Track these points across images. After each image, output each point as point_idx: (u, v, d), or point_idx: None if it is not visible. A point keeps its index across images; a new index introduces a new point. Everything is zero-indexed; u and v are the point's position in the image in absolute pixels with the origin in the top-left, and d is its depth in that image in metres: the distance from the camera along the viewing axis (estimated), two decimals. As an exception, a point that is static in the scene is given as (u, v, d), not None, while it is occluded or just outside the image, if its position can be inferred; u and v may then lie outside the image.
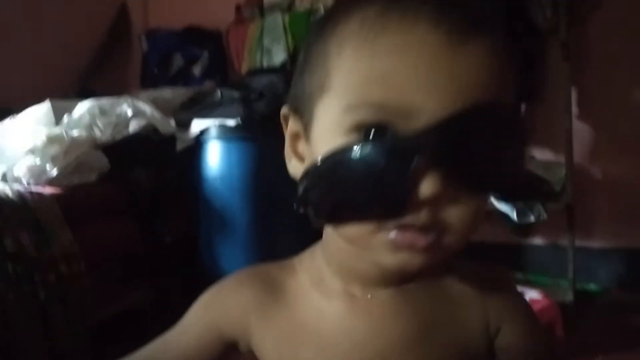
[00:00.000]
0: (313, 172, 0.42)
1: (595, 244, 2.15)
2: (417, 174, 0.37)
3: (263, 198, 1.97)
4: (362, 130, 0.39)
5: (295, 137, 0.48)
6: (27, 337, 1.30)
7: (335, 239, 0.48)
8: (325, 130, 0.42)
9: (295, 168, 0.48)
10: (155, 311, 1.86)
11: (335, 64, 0.41)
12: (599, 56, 2.13)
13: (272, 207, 1.99)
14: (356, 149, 0.38)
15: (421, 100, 0.37)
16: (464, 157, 0.38)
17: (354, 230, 0.41)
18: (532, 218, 1.93)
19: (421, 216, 0.39)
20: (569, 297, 1.86)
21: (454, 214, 0.39)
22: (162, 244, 1.91)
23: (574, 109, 2.10)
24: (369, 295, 0.47)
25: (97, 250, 1.61)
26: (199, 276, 2.05)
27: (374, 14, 0.39)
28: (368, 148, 0.38)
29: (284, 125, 0.50)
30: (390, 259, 0.41)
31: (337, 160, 0.39)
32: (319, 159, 0.41)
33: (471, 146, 0.38)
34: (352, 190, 0.40)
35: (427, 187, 0.37)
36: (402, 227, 0.39)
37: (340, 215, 0.42)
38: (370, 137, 0.39)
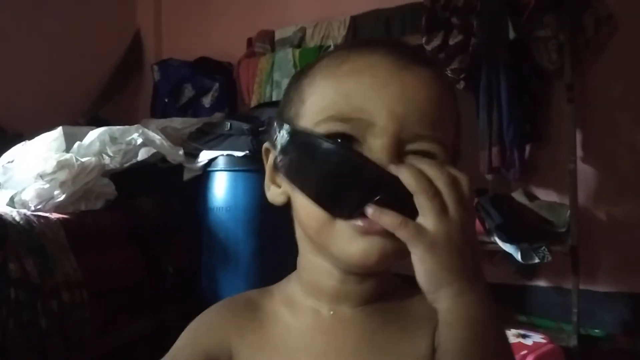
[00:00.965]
0: (289, 140, 0.49)
1: (600, 287, 2.13)
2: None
3: (267, 230, 1.96)
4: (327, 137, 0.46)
5: (274, 168, 0.53)
6: (25, 365, 1.28)
7: (306, 251, 0.53)
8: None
9: (273, 195, 0.55)
10: (155, 343, 1.84)
11: (308, 92, 0.49)
12: (604, 100, 2.14)
13: (276, 239, 1.97)
14: (326, 144, 0.45)
15: (377, 113, 0.45)
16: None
17: (317, 215, 0.46)
18: (536, 259, 1.91)
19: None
20: (573, 341, 1.82)
21: None
22: (164, 274, 1.89)
23: (579, 151, 2.11)
24: (331, 312, 0.51)
25: (99, 279, 1.60)
26: (200, 308, 2.03)
27: (339, 52, 0.49)
28: (335, 147, 0.45)
29: (264, 159, 0.56)
30: (355, 247, 0.46)
31: (310, 141, 0.46)
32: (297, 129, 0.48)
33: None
34: (312, 175, 0.47)
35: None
36: (364, 215, 0.44)
37: (302, 187, 0.48)
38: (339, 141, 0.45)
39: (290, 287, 0.56)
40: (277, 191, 0.54)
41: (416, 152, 0.45)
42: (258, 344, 0.53)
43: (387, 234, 0.44)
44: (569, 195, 2.02)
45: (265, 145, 0.56)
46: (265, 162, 0.56)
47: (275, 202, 0.55)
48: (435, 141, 0.46)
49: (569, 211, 2.02)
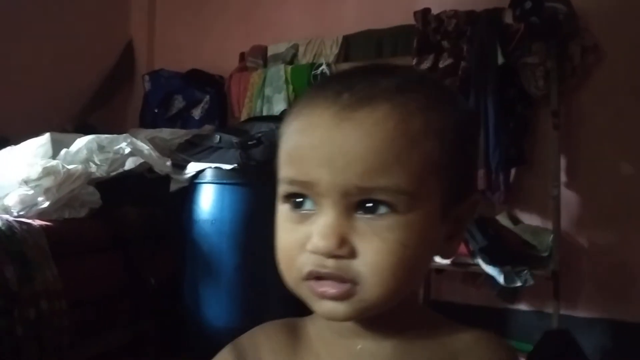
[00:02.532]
0: None
1: (580, 313, 2.14)
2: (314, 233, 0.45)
3: (252, 244, 1.95)
4: (288, 200, 0.48)
5: None
6: (-1, 374, 1.25)
7: None
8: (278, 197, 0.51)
9: None
10: (132, 354, 1.82)
11: (279, 146, 0.50)
12: (588, 127, 2.18)
13: (261, 254, 1.96)
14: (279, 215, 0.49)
15: (316, 172, 0.44)
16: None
17: (285, 273, 0.48)
18: (518, 282, 1.93)
19: (327, 265, 0.44)
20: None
21: (364, 263, 0.44)
22: (145, 285, 1.87)
23: (563, 177, 2.14)
24: (359, 346, 0.50)
25: (80, 288, 1.58)
26: (180, 321, 2.01)
27: (299, 105, 0.48)
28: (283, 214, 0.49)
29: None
30: (318, 307, 0.46)
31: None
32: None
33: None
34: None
35: (318, 239, 0.44)
36: (318, 277, 0.45)
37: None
38: (291, 204, 0.48)
39: (321, 320, 0.53)
40: None
41: (371, 201, 0.44)
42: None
43: (343, 297, 0.44)
44: (552, 220, 2.04)
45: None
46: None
47: None
48: (388, 190, 0.43)
49: (551, 236, 2.04)
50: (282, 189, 0.47)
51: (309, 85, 0.53)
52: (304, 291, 0.46)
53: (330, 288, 0.44)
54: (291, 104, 0.51)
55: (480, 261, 2.01)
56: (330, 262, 0.44)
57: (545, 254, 2.06)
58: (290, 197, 0.47)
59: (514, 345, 1.91)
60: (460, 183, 0.48)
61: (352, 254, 0.44)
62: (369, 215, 0.44)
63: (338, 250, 0.43)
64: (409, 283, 0.46)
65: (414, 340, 0.50)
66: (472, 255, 2.04)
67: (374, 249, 0.44)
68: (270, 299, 1.98)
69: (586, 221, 2.18)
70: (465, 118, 0.49)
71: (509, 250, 2.06)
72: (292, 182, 0.46)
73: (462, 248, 2.05)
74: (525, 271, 1.94)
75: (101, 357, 1.68)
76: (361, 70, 0.50)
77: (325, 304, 0.45)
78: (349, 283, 0.44)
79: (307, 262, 0.45)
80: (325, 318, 0.47)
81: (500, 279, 1.94)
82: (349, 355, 0.50)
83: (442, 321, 0.53)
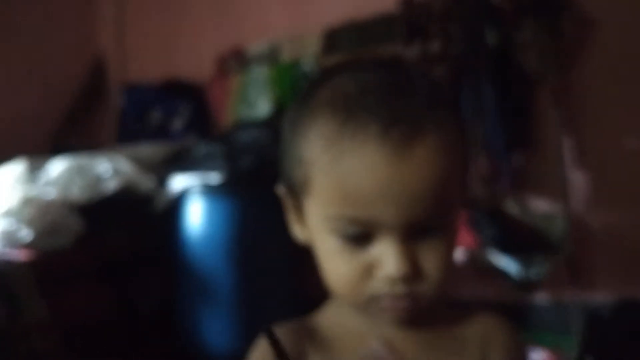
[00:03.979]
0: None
1: (600, 296, 2.18)
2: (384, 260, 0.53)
3: (248, 259, 1.97)
4: (341, 234, 0.54)
5: (294, 208, 0.61)
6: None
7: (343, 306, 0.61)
8: (314, 225, 0.57)
9: (299, 234, 0.62)
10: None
11: (311, 173, 0.54)
12: (590, 103, 2.22)
13: (258, 268, 1.99)
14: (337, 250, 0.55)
15: (382, 213, 0.51)
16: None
17: (350, 296, 0.56)
18: (533, 271, 1.96)
19: (399, 289, 0.53)
20: (575, 354, 1.86)
21: (426, 280, 0.54)
22: (139, 312, 1.90)
23: (568, 157, 2.17)
24: (379, 338, 0.58)
25: (71, 320, 1.61)
26: (178, 348, 2.02)
27: (332, 132, 0.52)
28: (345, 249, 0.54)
29: (282, 199, 0.63)
30: (381, 318, 0.56)
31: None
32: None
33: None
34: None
35: (394, 271, 0.52)
36: (389, 297, 0.54)
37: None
38: (348, 239, 0.54)
39: (335, 315, 0.62)
40: (301, 233, 0.61)
41: (426, 228, 0.53)
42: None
43: (410, 310, 0.55)
44: (562, 203, 2.07)
45: (279, 190, 0.62)
46: (283, 201, 0.63)
47: (299, 241, 0.62)
48: (441, 217, 0.54)
49: (563, 221, 2.07)
50: (340, 226, 0.53)
51: (313, 99, 0.57)
52: (371, 308, 0.55)
53: (402, 304, 0.54)
54: (308, 131, 0.55)
55: (491, 254, 2.05)
56: (401, 286, 0.53)
57: (558, 241, 2.09)
58: (346, 235, 0.53)
59: (533, 337, 1.95)
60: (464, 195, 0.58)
61: (419, 275, 0.53)
62: (424, 239, 0.53)
63: (410, 275, 0.52)
64: (444, 287, 0.56)
65: (428, 329, 0.60)
66: (483, 248, 2.07)
67: (432, 266, 0.54)
68: (272, 314, 2.00)
69: (598, 201, 2.21)
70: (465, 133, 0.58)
71: (520, 239, 2.09)
72: (354, 221, 0.52)
73: (472, 240, 2.08)
74: (539, 259, 1.98)
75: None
76: (386, 88, 0.53)
77: (389, 314, 0.55)
78: (414, 299, 0.54)
79: (377, 287, 0.54)
80: (386, 322, 0.57)
81: (514, 270, 1.97)
82: (368, 344, 0.58)
83: (450, 311, 0.63)
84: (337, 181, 0.52)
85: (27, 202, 1.69)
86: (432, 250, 0.54)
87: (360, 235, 0.53)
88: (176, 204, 2.06)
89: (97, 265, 1.85)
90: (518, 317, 2.29)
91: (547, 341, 2.01)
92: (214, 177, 2.01)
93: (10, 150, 2.04)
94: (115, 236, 1.94)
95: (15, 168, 1.90)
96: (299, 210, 0.59)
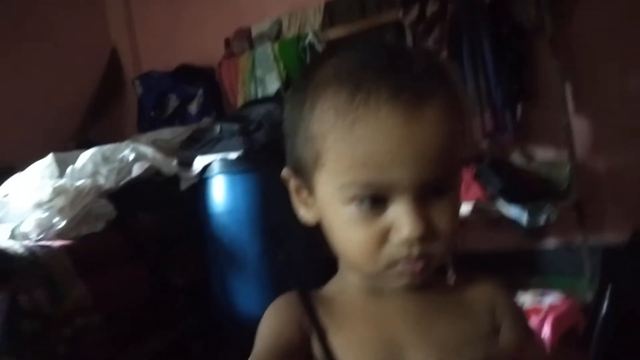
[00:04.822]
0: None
1: (609, 239, 2.13)
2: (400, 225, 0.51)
3: (272, 228, 1.96)
4: (356, 201, 0.52)
5: (298, 190, 0.59)
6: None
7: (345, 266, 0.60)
8: (327, 198, 0.54)
9: (303, 215, 0.60)
10: (176, 357, 1.85)
11: (322, 147, 0.52)
12: (588, 49, 2.13)
13: (284, 237, 1.97)
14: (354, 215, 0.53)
15: (396, 174, 0.50)
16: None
17: (361, 252, 0.53)
18: (542, 220, 1.92)
19: (415, 251, 0.51)
20: (588, 297, 1.83)
21: (440, 238, 0.52)
22: (174, 288, 1.89)
23: (570, 105, 2.10)
24: (391, 297, 0.57)
25: (110, 301, 1.60)
26: (214, 317, 2.03)
27: (343, 103, 0.50)
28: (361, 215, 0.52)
29: (286, 183, 0.61)
30: (396, 281, 0.54)
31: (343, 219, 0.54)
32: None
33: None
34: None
35: (410, 231, 0.50)
36: (406, 260, 0.52)
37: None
38: (363, 206, 0.52)
39: (344, 283, 0.60)
40: (307, 214, 0.59)
41: (437, 187, 0.52)
42: (333, 325, 0.56)
43: (424, 271, 0.53)
44: (567, 150, 2.02)
45: (284, 173, 0.60)
46: (287, 185, 0.61)
47: (307, 222, 0.60)
48: (451, 175, 0.53)
49: (568, 167, 2.02)
50: (351, 192, 0.51)
51: (315, 65, 0.54)
52: (387, 273, 0.53)
53: (418, 266, 0.52)
54: (317, 99, 0.52)
55: (500, 204, 2.00)
56: (417, 248, 0.51)
57: (565, 186, 2.04)
58: (361, 201, 0.51)
59: (546, 281, 1.92)
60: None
61: (434, 235, 0.52)
62: (435, 199, 0.52)
63: (426, 234, 0.51)
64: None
65: (436, 293, 0.58)
66: (491, 199, 2.03)
67: (444, 225, 0.52)
68: (300, 276, 1.99)
69: (601, 145, 2.15)
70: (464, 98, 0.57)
71: (527, 188, 2.05)
72: (369, 185, 0.50)
73: (480, 193, 2.04)
74: (548, 206, 1.93)
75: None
76: (387, 59, 0.52)
77: (405, 277, 0.53)
78: (429, 258, 0.52)
79: (394, 252, 0.52)
80: (397, 287, 0.55)
81: (523, 218, 1.93)
82: (379, 302, 0.57)
83: (458, 273, 0.61)
84: (352, 148, 0.50)
85: (57, 192, 1.66)
86: (443, 210, 0.52)
87: (375, 201, 0.51)
88: (199, 183, 2.04)
89: (131, 247, 1.83)
90: (530, 263, 2.25)
91: (560, 284, 1.97)
92: (232, 154, 1.99)
93: (39, 151, 2.02)
94: (145, 218, 1.92)
95: (43, 163, 1.88)
96: (309, 188, 0.57)
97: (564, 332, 1.53)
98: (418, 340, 0.55)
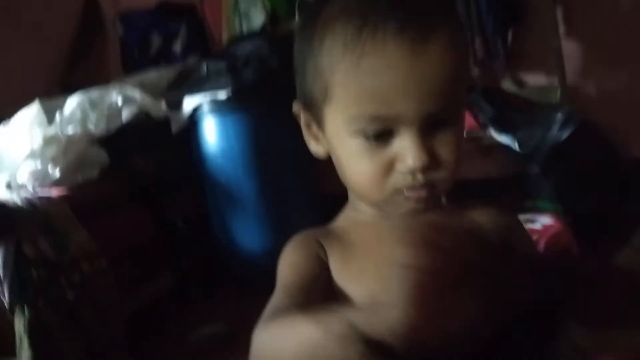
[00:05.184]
0: None
1: (599, 160, 2.16)
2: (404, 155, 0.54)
3: (269, 167, 1.97)
4: (363, 133, 0.54)
5: (309, 124, 0.62)
6: (63, 340, 1.33)
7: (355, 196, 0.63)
8: (335, 131, 0.57)
9: (315, 148, 0.64)
10: (180, 296, 1.90)
11: (330, 81, 0.54)
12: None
13: (281, 174, 2.00)
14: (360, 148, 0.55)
15: (402, 107, 0.52)
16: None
17: (368, 181, 0.56)
18: (534, 146, 1.94)
19: (418, 179, 0.55)
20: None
21: (442, 168, 0.55)
22: (175, 229, 1.92)
23: (561, 28, 2.08)
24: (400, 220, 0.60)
25: (114, 245, 1.63)
26: (216, 255, 2.07)
27: (351, 37, 0.52)
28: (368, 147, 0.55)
29: (297, 117, 0.63)
30: (402, 207, 0.57)
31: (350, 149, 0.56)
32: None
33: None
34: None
35: (414, 161, 0.53)
36: (410, 188, 0.55)
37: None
38: (369, 138, 0.54)
39: (354, 220, 0.64)
40: (317, 147, 0.63)
41: (440, 120, 0.54)
42: (348, 254, 0.60)
43: (429, 197, 0.56)
44: (558, 75, 2.01)
45: (295, 108, 0.62)
46: (299, 120, 0.63)
47: (317, 155, 0.64)
48: (454, 108, 0.55)
49: (559, 91, 2.02)
50: (359, 126, 0.54)
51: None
52: (392, 199, 0.56)
53: (422, 193, 0.55)
54: (324, 36, 0.54)
55: (492, 132, 2.02)
56: (421, 177, 0.54)
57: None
58: (367, 134, 0.54)
59: (538, 205, 1.96)
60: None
61: (437, 165, 0.55)
62: (439, 131, 0.54)
63: (429, 164, 0.54)
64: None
65: (446, 218, 0.61)
66: (483, 127, 2.04)
67: (447, 156, 0.55)
68: (297, 212, 2.03)
69: (592, 68, 2.15)
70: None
71: (518, 115, 2.05)
72: (375, 118, 0.53)
73: (472, 121, 2.04)
74: (539, 133, 1.95)
75: (152, 305, 1.77)
76: None
77: (411, 203, 0.56)
78: (432, 186, 0.56)
79: (399, 181, 0.55)
80: (408, 213, 0.58)
81: (515, 145, 1.95)
82: (387, 226, 0.59)
83: (461, 201, 0.64)
84: (359, 82, 0.52)
85: (48, 141, 1.65)
86: (446, 141, 0.55)
87: (381, 133, 0.53)
88: (191, 124, 2.03)
89: (129, 191, 1.84)
90: (522, 188, 2.29)
91: (552, 207, 2.02)
92: (221, 93, 1.96)
93: (24, 98, 1.97)
94: (140, 162, 1.91)
95: (30, 112, 1.84)
96: (318, 122, 0.60)
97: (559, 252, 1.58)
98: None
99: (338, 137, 0.57)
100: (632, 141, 2.12)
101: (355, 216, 0.63)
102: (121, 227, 1.73)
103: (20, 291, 1.27)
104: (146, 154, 1.93)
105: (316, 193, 2.10)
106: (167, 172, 1.97)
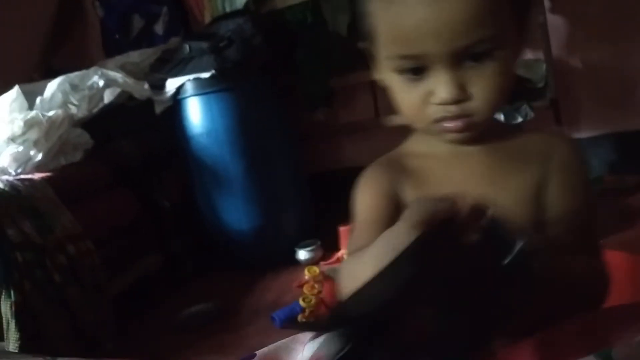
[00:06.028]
0: None
1: (584, 134, 2.19)
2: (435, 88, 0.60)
3: (254, 146, 1.97)
4: (399, 70, 0.61)
5: (372, 59, 0.68)
6: (51, 321, 1.33)
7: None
8: (382, 67, 0.65)
9: (379, 80, 0.68)
10: (168, 275, 1.91)
11: (372, 24, 0.62)
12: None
13: (265, 153, 1.99)
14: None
15: (429, 45, 0.57)
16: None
17: (414, 120, 0.64)
18: (519, 118, 1.95)
19: (452, 110, 0.60)
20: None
21: (477, 98, 0.59)
22: (161, 210, 1.92)
23: (546, 3, 2.08)
24: (455, 149, 0.66)
25: (99, 226, 1.63)
26: (203, 236, 2.08)
27: None
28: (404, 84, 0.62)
29: (365, 52, 0.69)
30: (445, 136, 0.63)
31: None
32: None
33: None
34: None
35: (444, 95, 0.59)
36: (446, 119, 0.61)
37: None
38: (406, 74, 0.61)
39: (418, 144, 0.70)
40: (379, 79, 0.68)
41: (473, 54, 0.58)
42: (414, 181, 0.67)
43: (466, 127, 0.61)
44: (543, 48, 2.02)
45: (361, 44, 0.68)
46: (366, 56, 0.69)
47: (381, 85, 0.69)
48: (484, 41, 0.57)
49: (544, 65, 2.03)
50: (395, 64, 0.61)
51: None
52: (434, 128, 0.62)
53: (458, 124, 0.60)
54: None
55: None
56: (454, 108, 0.59)
57: (541, 85, 2.06)
58: (403, 70, 0.60)
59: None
60: (521, 31, 0.62)
61: (468, 97, 0.59)
62: (473, 64, 0.58)
63: (460, 97, 0.58)
64: (501, 102, 0.62)
65: (494, 145, 0.66)
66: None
67: (482, 86, 0.59)
68: (283, 189, 2.03)
69: (577, 42, 2.15)
70: None
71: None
72: (406, 57, 0.59)
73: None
74: (524, 106, 1.96)
75: (141, 283, 1.77)
76: None
77: (452, 133, 0.62)
78: (468, 117, 0.60)
79: (435, 111, 0.61)
80: (452, 142, 0.64)
81: (501, 117, 1.96)
82: (445, 156, 0.66)
83: (514, 129, 0.71)
84: (390, 26, 0.59)
85: (30, 125, 1.63)
86: (480, 75, 0.58)
87: (415, 70, 0.59)
88: (174, 105, 2.02)
89: (113, 173, 1.83)
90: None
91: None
92: (204, 74, 1.95)
93: (2, 84, 1.94)
94: (124, 144, 1.90)
95: (9, 96, 1.82)
96: (373, 60, 0.67)
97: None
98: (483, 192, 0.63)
99: (384, 72, 0.64)
100: (617, 115, 2.15)
101: (420, 143, 0.70)
102: (106, 209, 1.72)
103: (5, 275, 1.27)
104: (130, 135, 1.92)
105: (302, 171, 2.11)
106: (152, 154, 1.97)
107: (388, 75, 0.63)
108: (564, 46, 2.16)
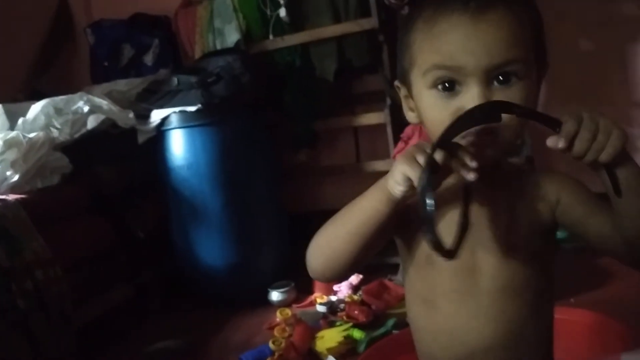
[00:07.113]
0: None
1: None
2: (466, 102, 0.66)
3: (232, 180, 1.97)
4: (436, 85, 0.68)
5: (406, 97, 0.77)
6: (12, 348, 1.28)
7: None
8: (418, 89, 0.72)
9: (410, 118, 0.77)
10: (137, 307, 1.86)
11: (413, 50, 0.71)
12: (544, 9, 2.17)
13: (245, 189, 1.99)
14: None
15: (463, 60, 0.65)
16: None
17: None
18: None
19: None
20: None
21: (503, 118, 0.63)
22: (135, 240, 1.89)
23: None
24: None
25: (70, 253, 1.59)
26: (176, 268, 2.04)
27: (428, 15, 0.69)
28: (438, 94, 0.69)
29: (398, 92, 0.79)
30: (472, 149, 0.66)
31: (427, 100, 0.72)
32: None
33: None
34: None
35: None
36: (474, 132, 0.65)
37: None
38: (441, 88, 0.68)
39: None
40: (412, 115, 0.76)
41: (503, 73, 0.65)
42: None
43: (492, 142, 0.66)
44: (521, 107, 2.08)
45: (396, 83, 0.78)
46: (399, 93, 0.78)
47: (412, 122, 0.78)
48: (512, 63, 0.65)
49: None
50: (432, 77, 0.68)
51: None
52: (462, 142, 0.65)
53: (483, 139, 0.65)
54: (415, 14, 0.77)
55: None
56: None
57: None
58: (438, 83, 0.67)
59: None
60: (542, 57, 0.72)
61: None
62: (502, 85, 0.66)
63: None
64: (523, 128, 0.69)
65: (510, 174, 0.76)
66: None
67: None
68: (261, 228, 2.02)
69: (553, 103, 2.23)
70: (537, 11, 0.72)
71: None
72: (443, 67, 0.66)
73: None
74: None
75: (108, 314, 1.72)
76: None
77: (475, 148, 0.65)
78: (493, 134, 0.65)
79: None
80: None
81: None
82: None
83: (524, 167, 0.84)
84: (430, 43, 0.67)
85: (9, 145, 1.61)
86: (507, 97, 0.64)
87: (449, 85, 0.66)
88: (158, 135, 2.01)
89: (89, 199, 1.81)
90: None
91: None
92: (191, 107, 1.96)
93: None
94: (103, 171, 1.89)
95: (-8, 115, 1.80)
96: (409, 90, 0.74)
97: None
98: (482, 220, 0.72)
99: (420, 94, 0.71)
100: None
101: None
102: (79, 235, 1.69)
103: (-33, 296, 1.22)
104: (110, 162, 1.90)
105: (281, 210, 2.10)
106: (130, 183, 1.95)
107: (422, 95, 0.70)
108: (540, 107, 2.23)
